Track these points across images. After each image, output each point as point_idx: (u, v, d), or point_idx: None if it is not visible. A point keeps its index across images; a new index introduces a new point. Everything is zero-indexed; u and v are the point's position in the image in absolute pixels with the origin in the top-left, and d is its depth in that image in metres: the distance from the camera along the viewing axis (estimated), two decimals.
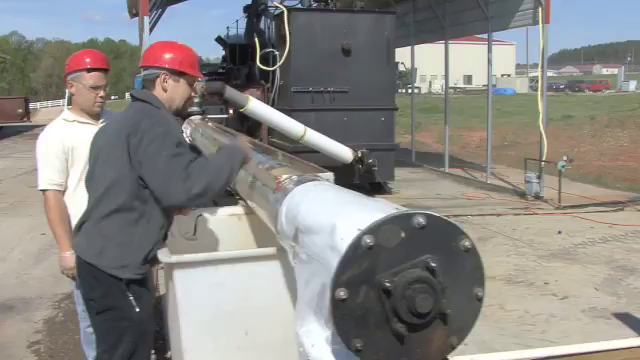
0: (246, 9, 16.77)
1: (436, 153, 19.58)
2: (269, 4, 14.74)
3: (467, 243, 1.93)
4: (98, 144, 3.24)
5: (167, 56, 3.23)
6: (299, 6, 13.43)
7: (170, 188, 2.91)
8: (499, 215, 10.97)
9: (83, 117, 4.02)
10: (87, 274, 3.14)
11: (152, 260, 3.21)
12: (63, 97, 39.77)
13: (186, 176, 2.88)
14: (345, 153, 11.25)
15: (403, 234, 1.85)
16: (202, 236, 4.06)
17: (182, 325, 3.22)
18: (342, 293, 1.82)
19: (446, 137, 16.87)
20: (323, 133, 10.84)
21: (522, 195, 12.57)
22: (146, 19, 10.72)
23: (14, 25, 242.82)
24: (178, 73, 3.23)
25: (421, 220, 1.86)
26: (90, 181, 3.26)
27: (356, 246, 1.82)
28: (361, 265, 1.83)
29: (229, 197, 10.06)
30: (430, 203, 11.78)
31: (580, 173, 15.05)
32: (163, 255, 3.20)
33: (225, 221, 4.23)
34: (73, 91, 4.01)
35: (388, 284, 1.82)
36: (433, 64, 45.62)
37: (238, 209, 4.32)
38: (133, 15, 21.32)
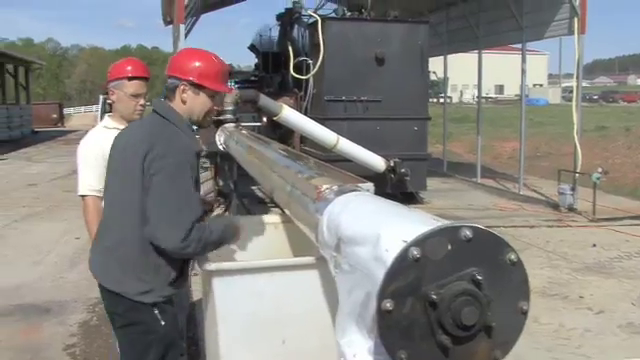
0: (279, 17, 16.87)
1: (467, 163, 19.48)
2: (303, 13, 14.81)
3: (513, 256, 1.93)
4: (115, 156, 3.22)
5: (189, 67, 3.14)
6: (333, 15, 13.48)
7: (168, 237, 2.92)
8: (532, 227, 10.89)
9: (123, 125, 4.06)
10: (108, 293, 3.14)
11: (178, 282, 3.21)
12: (96, 103, 40.31)
13: (185, 235, 2.89)
14: (377, 162, 11.26)
15: (449, 246, 1.85)
16: (239, 244, 4.08)
17: (220, 332, 3.23)
18: (388, 304, 1.82)
19: (478, 147, 16.79)
20: (355, 142, 10.85)
21: (555, 207, 12.45)
22: (181, 27, 10.80)
23: (51, 32, 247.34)
24: (198, 86, 3.14)
25: (468, 233, 1.86)
26: (106, 193, 3.26)
27: (403, 258, 1.82)
28: (407, 277, 1.83)
29: (261, 204, 10.06)
30: (462, 214, 11.72)
31: (614, 185, 14.87)
32: (202, 262, 3.22)
33: (261, 229, 4.24)
34: (114, 98, 4.08)
35: (434, 296, 1.82)
36: (464, 73, 45.41)
37: (275, 217, 4.33)
38: (167, 23, 21.58)
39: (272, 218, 4.35)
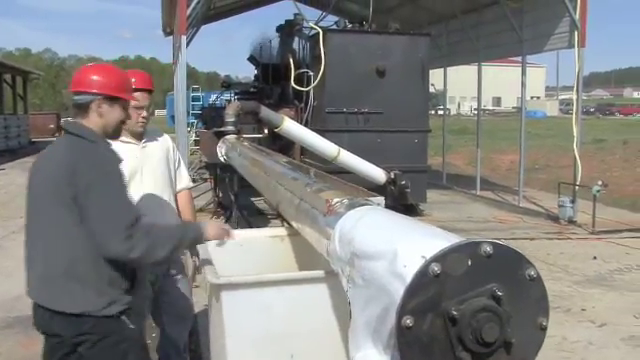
0: (279, 29, 16.87)
1: (466, 175, 19.49)
2: (304, 25, 14.81)
3: (532, 272, 1.92)
4: (34, 185, 3.12)
5: (101, 81, 3.14)
6: (334, 27, 13.49)
7: (111, 244, 2.86)
8: (532, 239, 10.85)
9: (126, 136, 4.05)
10: (67, 318, 2.98)
11: (134, 290, 3.14)
12: None
13: (128, 235, 2.85)
14: (378, 174, 11.23)
15: (469, 262, 1.84)
16: (245, 257, 4.06)
17: (227, 346, 3.20)
18: (408, 321, 1.81)
19: (478, 159, 16.80)
20: (356, 154, 10.83)
21: (555, 219, 12.43)
22: (183, 38, 10.78)
23: (48, 42, 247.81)
24: (113, 98, 3.16)
25: (488, 249, 1.85)
26: (34, 223, 3.10)
27: (423, 274, 1.81)
28: (427, 293, 1.82)
29: (261, 216, 9.99)
30: (462, 226, 11.70)
31: (613, 198, 14.85)
32: (211, 275, 3.20)
33: (267, 242, 4.22)
34: None
35: (454, 312, 1.81)
36: (462, 85, 45.58)
37: (281, 230, 4.31)
38: (168, 34, 21.64)
39: (278, 231, 4.34)
